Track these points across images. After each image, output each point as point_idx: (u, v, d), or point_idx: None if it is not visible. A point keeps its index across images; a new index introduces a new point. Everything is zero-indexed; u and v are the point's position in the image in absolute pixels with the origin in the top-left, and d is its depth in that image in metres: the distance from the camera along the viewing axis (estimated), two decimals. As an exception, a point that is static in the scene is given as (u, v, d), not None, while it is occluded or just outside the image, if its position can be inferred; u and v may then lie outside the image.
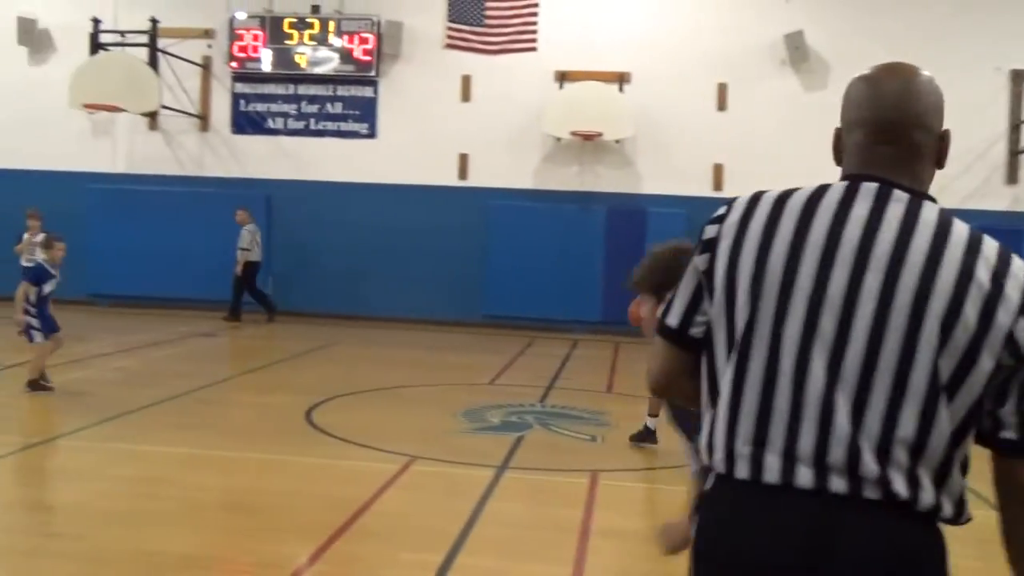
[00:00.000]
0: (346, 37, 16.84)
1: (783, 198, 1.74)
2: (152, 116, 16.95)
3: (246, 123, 17.32)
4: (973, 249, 1.61)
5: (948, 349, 1.57)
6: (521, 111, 16.53)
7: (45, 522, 5.42)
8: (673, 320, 1.82)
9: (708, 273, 1.76)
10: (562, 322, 16.26)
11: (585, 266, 16.33)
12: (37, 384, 8.70)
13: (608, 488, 6.46)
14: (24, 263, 13.21)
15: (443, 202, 16.76)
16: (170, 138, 17.48)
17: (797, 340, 1.63)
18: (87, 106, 15.39)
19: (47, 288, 8.71)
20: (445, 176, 16.91)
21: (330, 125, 17.21)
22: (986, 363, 1.58)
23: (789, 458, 1.61)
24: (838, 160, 1.82)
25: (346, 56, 16.91)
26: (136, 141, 17.45)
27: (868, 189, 1.69)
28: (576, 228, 16.50)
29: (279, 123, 17.28)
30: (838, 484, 1.58)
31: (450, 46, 16.05)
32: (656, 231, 16.25)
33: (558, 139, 16.43)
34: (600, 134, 15.80)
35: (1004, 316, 1.58)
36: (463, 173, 16.92)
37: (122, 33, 16.44)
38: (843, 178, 1.76)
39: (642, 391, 10.69)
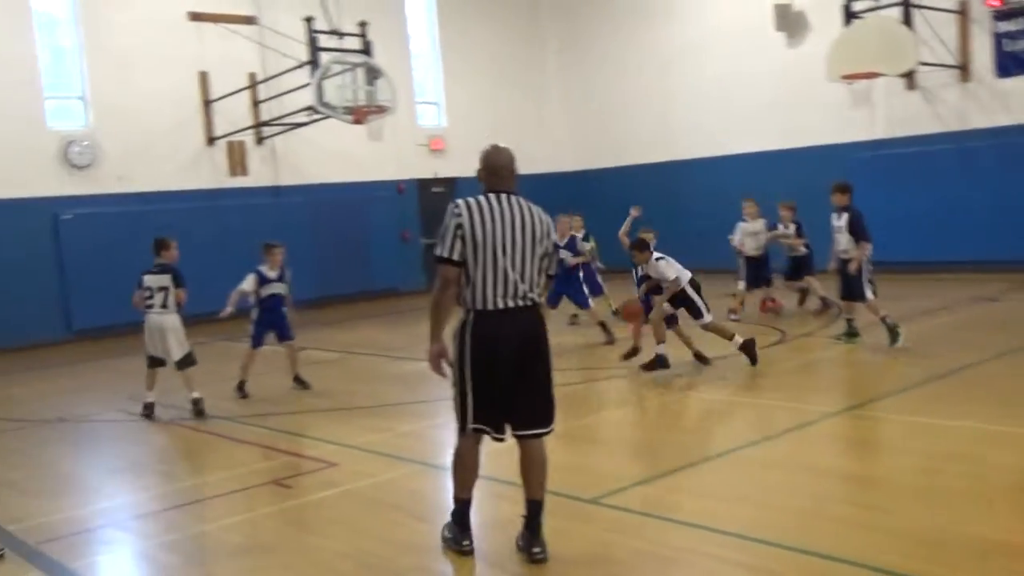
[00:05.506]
0: None
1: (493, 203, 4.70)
2: (909, 75, 16.58)
3: (1012, 64, 15.84)
4: (538, 211, 4.80)
5: (540, 253, 4.78)
6: None
7: (855, 492, 5.68)
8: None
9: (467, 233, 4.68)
10: None
11: None
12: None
13: None
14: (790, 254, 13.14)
15: None
16: (929, 94, 16.90)
17: (507, 264, 4.66)
18: (845, 77, 15.71)
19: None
20: None
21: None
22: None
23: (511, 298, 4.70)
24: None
25: None
26: (894, 104, 17.29)
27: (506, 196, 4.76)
28: None
29: (1053, 58, 15.43)
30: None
31: None
32: None
33: None
34: None
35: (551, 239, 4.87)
36: None
37: (874, -3, 16.38)
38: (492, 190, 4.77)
39: None
